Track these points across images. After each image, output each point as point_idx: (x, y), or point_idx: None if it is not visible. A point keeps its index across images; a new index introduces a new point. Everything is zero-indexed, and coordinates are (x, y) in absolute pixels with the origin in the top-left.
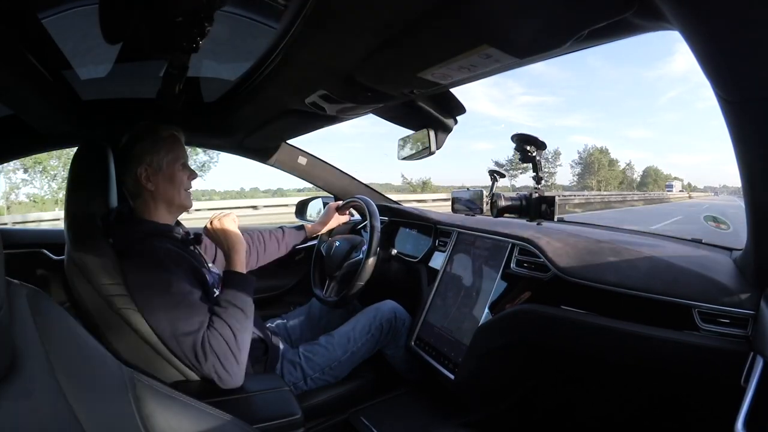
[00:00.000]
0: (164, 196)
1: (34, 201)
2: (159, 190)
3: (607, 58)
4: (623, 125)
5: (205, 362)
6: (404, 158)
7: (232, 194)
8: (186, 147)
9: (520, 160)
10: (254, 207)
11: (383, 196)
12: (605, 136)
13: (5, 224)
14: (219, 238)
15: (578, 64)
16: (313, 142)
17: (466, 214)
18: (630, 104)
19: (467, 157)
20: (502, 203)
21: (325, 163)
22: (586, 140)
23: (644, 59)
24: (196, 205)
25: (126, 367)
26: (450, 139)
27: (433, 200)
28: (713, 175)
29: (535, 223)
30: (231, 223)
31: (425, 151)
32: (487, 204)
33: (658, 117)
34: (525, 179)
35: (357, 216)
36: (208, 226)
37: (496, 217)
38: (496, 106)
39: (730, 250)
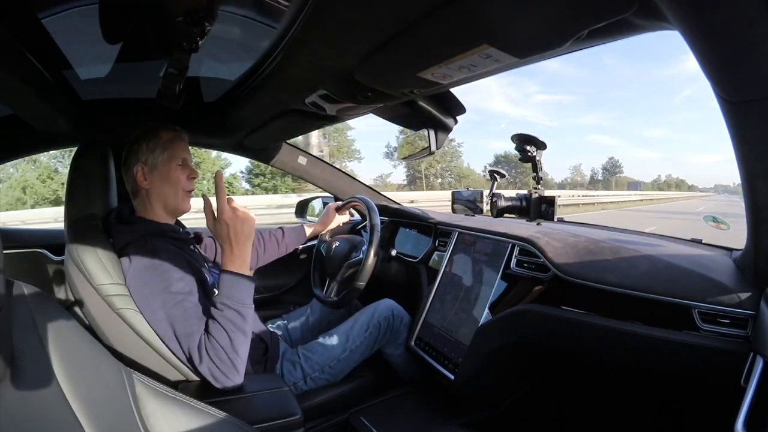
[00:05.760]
0: (159, 196)
1: None
2: (155, 188)
3: (622, 56)
4: (639, 124)
5: (200, 364)
6: (404, 158)
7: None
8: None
9: (520, 160)
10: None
11: (383, 196)
12: (621, 136)
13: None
14: (235, 227)
15: (593, 62)
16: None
17: (466, 214)
18: (646, 103)
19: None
20: (502, 203)
21: (325, 162)
22: (603, 140)
23: (659, 57)
24: None
25: (126, 367)
26: (466, 138)
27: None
28: (725, 174)
29: (535, 223)
30: (251, 220)
31: (425, 151)
32: (487, 204)
33: (674, 116)
34: None
35: (357, 216)
36: (230, 207)
37: (496, 217)
38: (512, 105)
39: (730, 250)
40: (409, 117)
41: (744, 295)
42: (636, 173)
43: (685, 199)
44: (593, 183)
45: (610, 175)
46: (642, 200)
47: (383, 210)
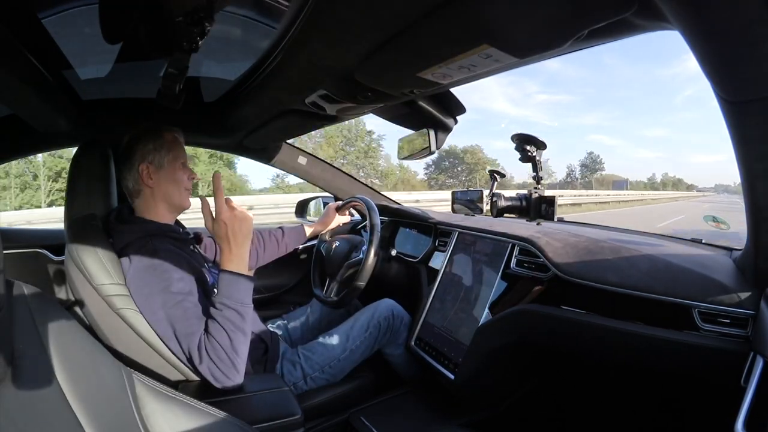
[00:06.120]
0: (164, 194)
1: None
2: (160, 187)
3: (623, 56)
4: (640, 124)
5: (200, 364)
6: (404, 158)
7: None
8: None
9: (520, 160)
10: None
11: (383, 195)
12: (622, 135)
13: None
14: (233, 227)
15: (593, 62)
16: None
17: (466, 214)
18: (646, 103)
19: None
20: (502, 203)
21: (325, 162)
22: (604, 139)
23: (660, 57)
24: None
25: (126, 367)
26: (470, 138)
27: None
28: (726, 174)
29: (535, 223)
30: (249, 220)
31: (425, 151)
32: (487, 204)
33: (675, 116)
34: None
35: (357, 216)
36: (228, 207)
37: (496, 217)
38: (512, 104)
39: (730, 250)
40: (409, 117)
41: (744, 295)
42: (636, 173)
43: (669, 200)
44: (571, 183)
45: (590, 173)
46: (578, 204)
47: (383, 210)
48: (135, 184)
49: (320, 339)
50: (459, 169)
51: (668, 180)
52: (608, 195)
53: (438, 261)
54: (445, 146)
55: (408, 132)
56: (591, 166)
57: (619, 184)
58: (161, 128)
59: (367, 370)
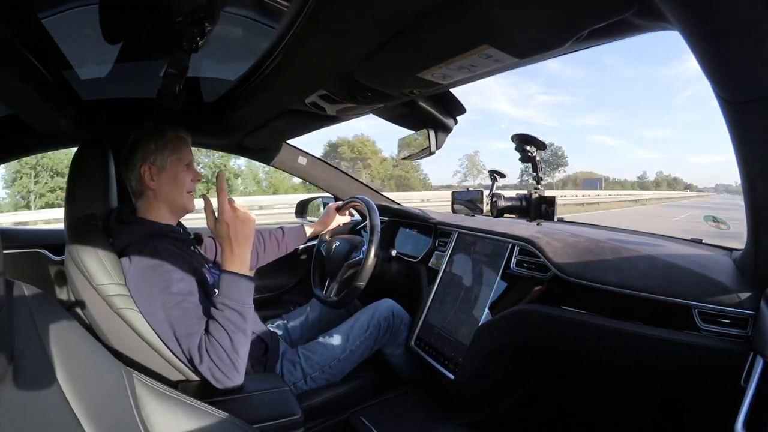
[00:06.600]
0: (166, 196)
1: None
2: (162, 189)
3: (624, 57)
4: (641, 124)
5: (200, 364)
6: (404, 158)
7: None
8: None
9: (520, 160)
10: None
11: (383, 196)
12: (622, 136)
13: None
14: (236, 227)
15: (594, 62)
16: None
17: (466, 214)
18: (647, 103)
19: (487, 155)
20: (502, 203)
21: (325, 162)
22: (604, 140)
23: (661, 57)
24: None
25: (125, 367)
26: (471, 139)
27: None
28: (728, 174)
29: (535, 223)
30: (252, 220)
31: (425, 151)
32: (487, 204)
33: (676, 116)
34: None
35: (357, 216)
36: (230, 209)
37: (496, 217)
38: (513, 105)
39: (730, 250)
40: (409, 117)
41: (744, 295)
42: (634, 173)
43: (629, 203)
44: (522, 184)
45: (551, 170)
46: None
47: (383, 210)
48: (137, 185)
49: (320, 339)
50: (345, 164)
51: (663, 179)
52: None
53: (438, 261)
54: (333, 138)
55: (408, 132)
56: (552, 161)
57: (592, 182)
58: (165, 128)
59: (367, 370)
